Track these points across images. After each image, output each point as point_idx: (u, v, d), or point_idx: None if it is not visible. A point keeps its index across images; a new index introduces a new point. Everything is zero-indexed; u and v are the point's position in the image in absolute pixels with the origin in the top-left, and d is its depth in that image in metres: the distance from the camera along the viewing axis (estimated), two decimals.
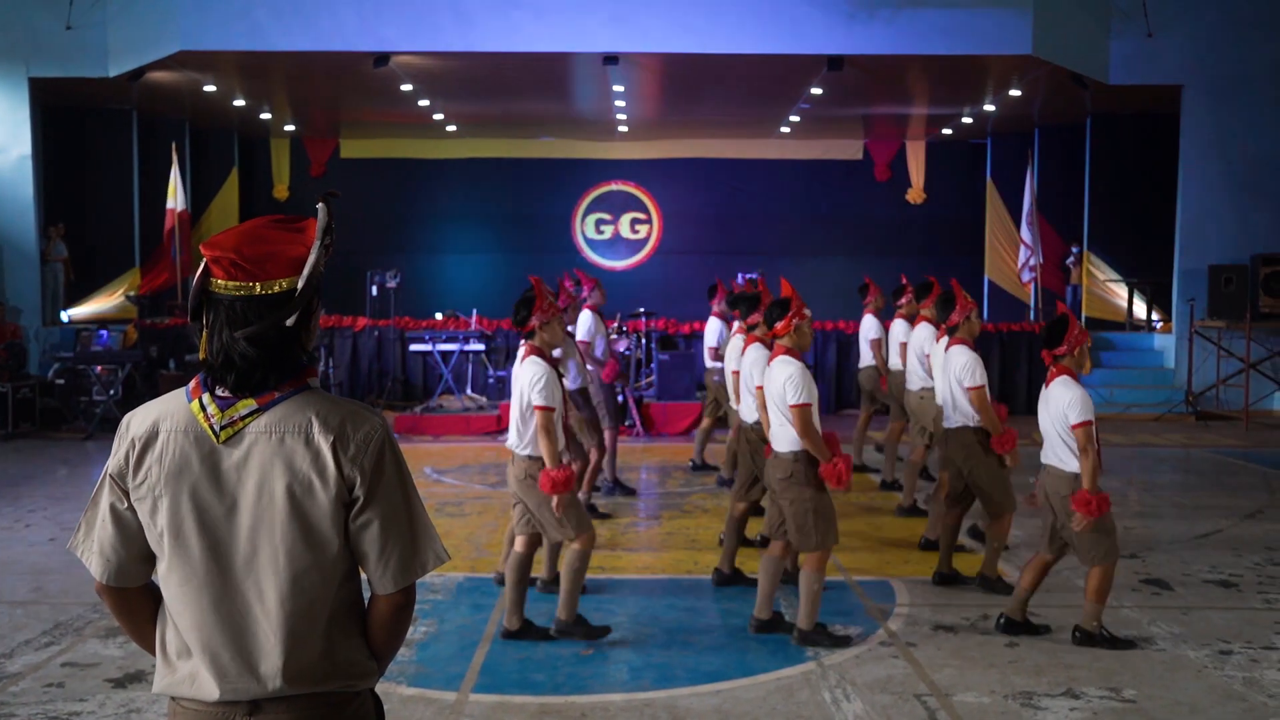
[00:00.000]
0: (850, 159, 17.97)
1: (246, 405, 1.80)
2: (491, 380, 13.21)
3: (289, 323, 1.82)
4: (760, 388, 5.37)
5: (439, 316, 14.48)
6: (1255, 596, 5.82)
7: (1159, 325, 14.73)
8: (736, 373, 6.62)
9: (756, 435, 5.80)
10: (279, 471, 1.78)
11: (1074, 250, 15.94)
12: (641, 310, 13.78)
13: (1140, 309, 15.19)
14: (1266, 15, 13.84)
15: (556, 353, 5.20)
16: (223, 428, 1.79)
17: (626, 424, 12.08)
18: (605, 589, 5.94)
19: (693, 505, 8.28)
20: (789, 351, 4.98)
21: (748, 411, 6.02)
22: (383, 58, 11.81)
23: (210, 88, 13.50)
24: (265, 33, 11.49)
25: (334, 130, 17.50)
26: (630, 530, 7.42)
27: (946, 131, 17.07)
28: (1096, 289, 15.40)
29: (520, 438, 4.91)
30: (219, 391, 1.82)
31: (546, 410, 4.75)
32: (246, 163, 17.83)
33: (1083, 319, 15.25)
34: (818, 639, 4.92)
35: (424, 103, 14.42)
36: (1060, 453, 4.85)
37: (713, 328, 9.17)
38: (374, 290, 13.27)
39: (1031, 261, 15.15)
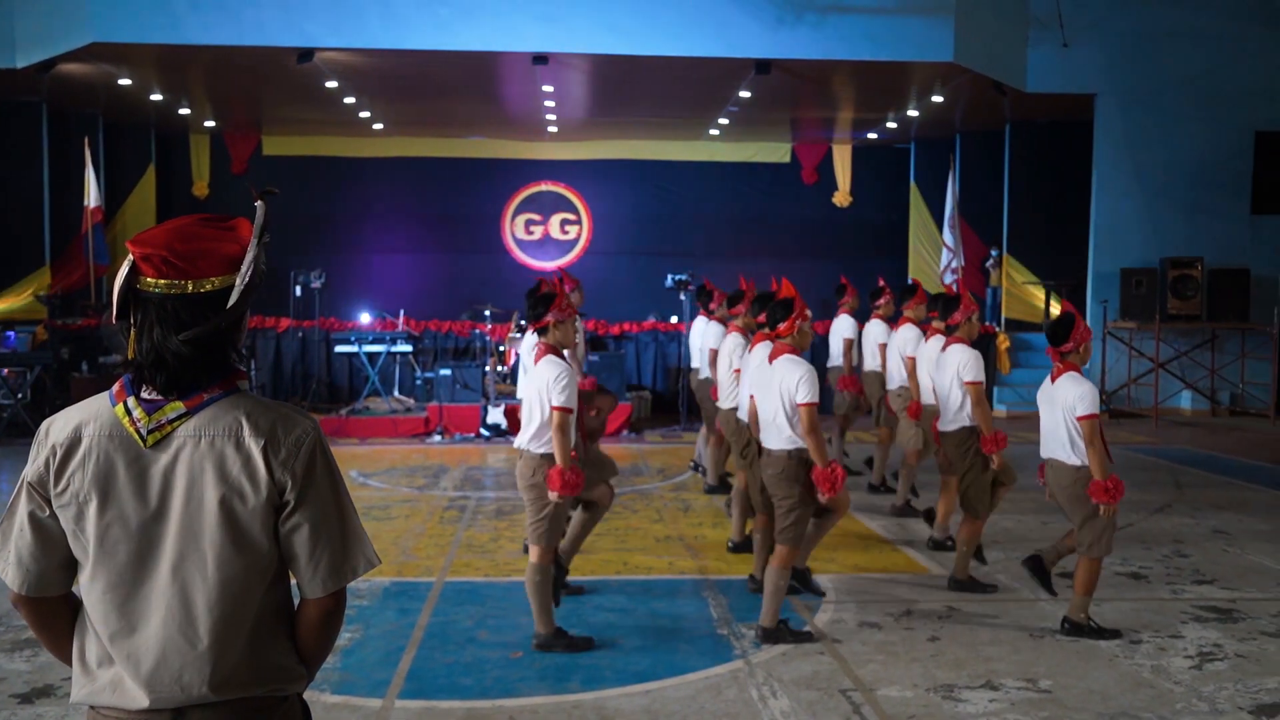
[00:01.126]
0: (778, 162, 18.18)
1: (174, 408, 1.77)
2: (419, 382, 13.05)
3: (225, 324, 1.79)
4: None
5: (365, 318, 14.26)
6: (1163, 588, 6.04)
7: None
8: (738, 371, 6.67)
9: None
10: (209, 475, 1.75)
11: (993, 253, 16.35)
12: None
13: (1057, 310, 15.67)
14: (1174, 28, 14.39)
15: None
16: (149, 431, 1.76)
17: None
18: None
19: (622, 506, 8.29)
20: (793, 350, 5.04)
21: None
22: (307, 53, 11.57)
23: (125, 81, 13.07)
24: (183, 25, 11.16)
25: (256, 127, 17.09)
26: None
27: (872, 136, 17.37)
28: (1015, 291, 15.83)
29: (529, 435, 4.85)
30: (144, 394, 1.78)
31: (565, 411, 4.68)
32: (164, 159, 17.32)
33: (1002, 320, 15.71)
34: (780, 635, 4.96)
35: (350, 100, 14.16)
36: (1065, 447, 4.96)
37: (713, 332, 8.38)
38: (298, 291, 13.01)
39: (953, 264, 15.50)
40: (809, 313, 5.18)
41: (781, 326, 5.07)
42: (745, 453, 6.03)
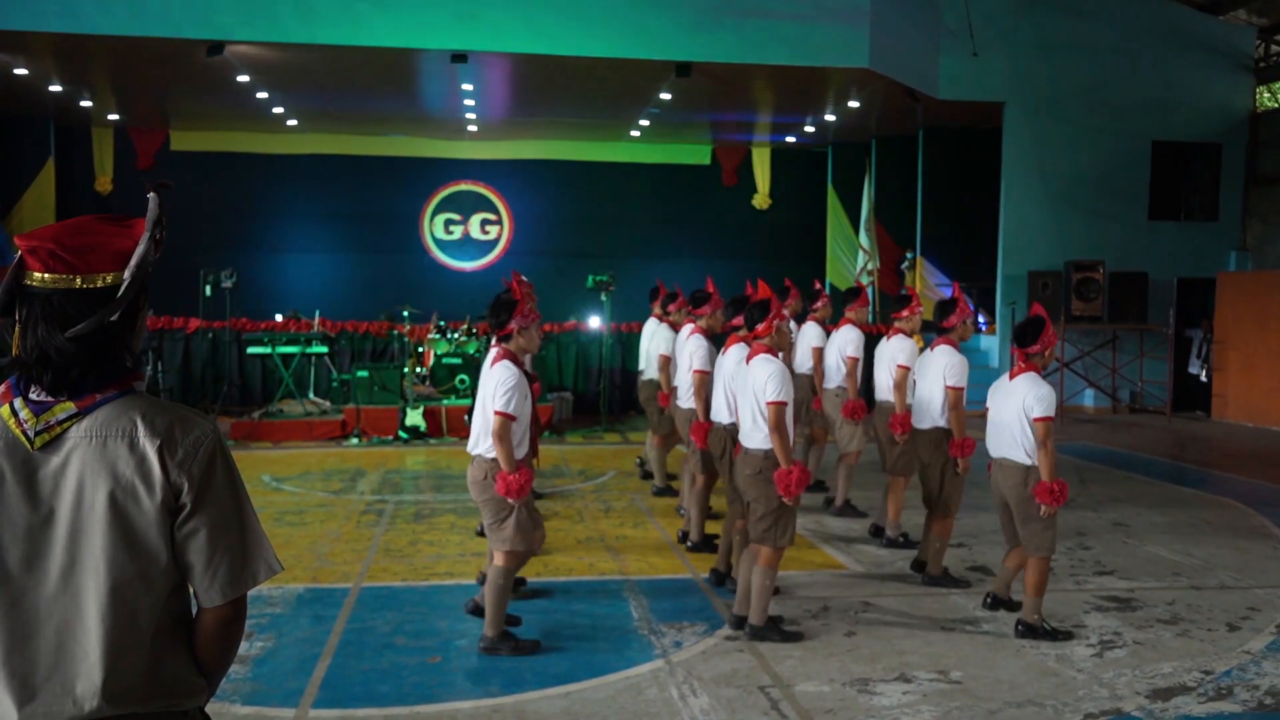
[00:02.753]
0: (698, 164, 18.33)
1: (64, 409, 1.70)
2: (335, 383, 12.79)
3: (113, 318, 1.72)
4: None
5: (279, 318, 13.92)
6: (1068, 579, 6.25)
7: (985, 327, 15.66)
8: (701, 372, 6.61)
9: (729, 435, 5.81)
10: (100, 478, 1.68)
11: (908, 255, 16.73)
12: None
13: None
14: (1077, 41, 14.96)
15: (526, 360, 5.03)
16: (38, 433, 1.69)
17: None
18: (454, 594, 5.85)
19: (544, 508, 8.25)
20: (769, 350, 5.05)
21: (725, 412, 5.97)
22: (216, 46, 11.23)
23: (21, 71, 12.53)
24: (83, 13, 10.74)
25: (163, 120, 16.56)
26: (481, 534, 7.32)
27: (790, 139, 17.63)
28: (928, 293, 16.23)
29: (480, 440, 4.84)
30: (33, 395, 1.71)
31: (506, 418, 4.67)
32: (64, 153, 16.66)
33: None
34: (768, 634, 5.00)
35: (262, 95, 13.82)
36: (1017, 446, 5.01)
37: (664, 335, 8.19)
38: (208, 290, 12.62)
39: (869, 266, 15.82)
40: (786, 314, 5.25)
41: (760, 327, 5.08)
42: (723, 455, 6.00)
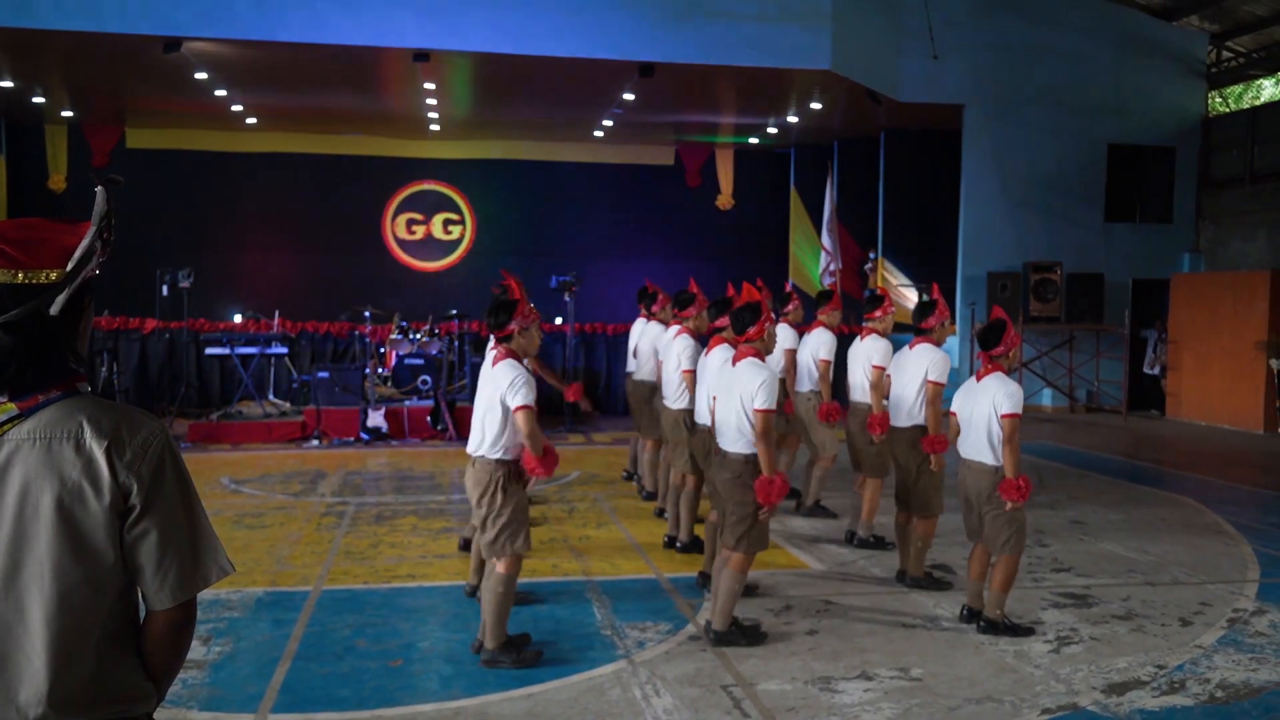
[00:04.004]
0: (662, 164, 18.36)
1: (6, 410, 1.66)
2: (295, 384, 12.65)
3: (53, 310, 1.68)
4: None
5: (238, 318, 13.74)
6: (1025, 576, 6.33)
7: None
8: (689, 372, 6.63)
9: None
10: (45, 480, 1.65)
11: (871, 256, 16.87)
12: (454, 312, 13.56)
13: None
14: (1035, 44, 15.18)
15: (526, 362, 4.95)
16: None
17: (439, 428, 11.87)
18: (415, 596, 5.81)
19: None
20: (758, 354, 4.99)
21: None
22: (173, 43, 11.07)
23: None
24: (35, 8, 10.53)
25: (119, 118, 16.28)
26: (442, 536, 7.28)
27: (754, 141, 17.72)
28: (890, 293, 16.37)
29: (483, 441, 4.75)
30: None
31: (529, 410, 4.65)
32: (16, 150, 16.34)
33: None
34: (733, 638, 4.97)
35: (221, 93, 13.64)
36: (985, 447, 5.03)
37: (652, 333, 8.07)
38: (165, 290, 12.43)
39: (831, 267, 15.94)
40: (774, 316, 5.23)
41: (751, 330, 5.03)
42: (708, 455, 5.96)
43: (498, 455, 4.73)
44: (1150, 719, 4.21)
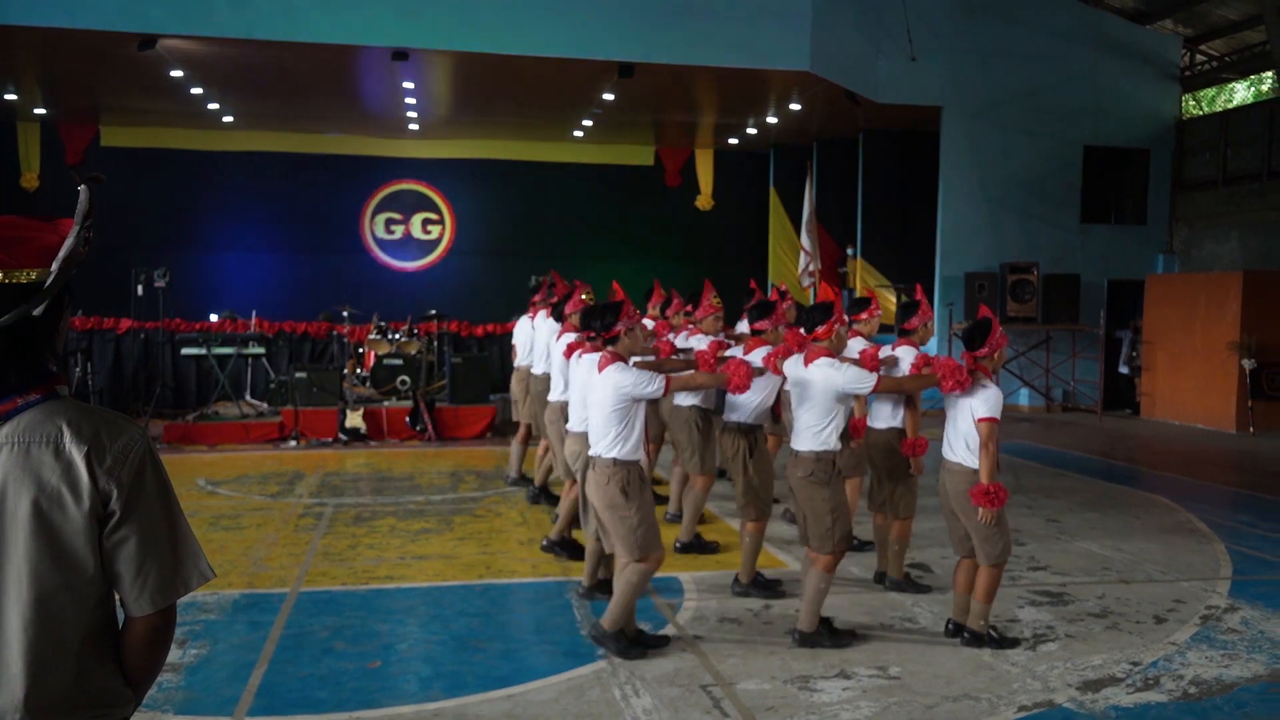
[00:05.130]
0: (641, 165, 18.36)
1: None
2: (273, 385, 12.56)
3: (37, 312, 1.66)
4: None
5: (214, 318, 13.63)
6: (1003, 575, 6.37)
7: None
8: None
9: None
10: (24, 485, 1.63)
11: (848, 251, 16.92)
12: (434, 312, 13.51)
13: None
14: (1012, 47, 15.30)
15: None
16: None
17: (418, 429, 11.82)
18: (394, 598, 5.79)
19: (485, 510, 8.20)
20: (829, 354, 5.02)
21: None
22: (148, 40, 10.97)
23: None
24: (7, 3, 10.39)
25: (93, 116, 16.12)
26: (422, 537, 7.25)
27: (733, 141, 17.75)
28: (868, 294, 16.45)
29: (608, 442, 4.77)
30: None
31: (666, 385, 4.80)
32: None
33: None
34: (818, 640, 4.99)
35: (197, 91, 13.52)
36: (967, 451, 4.94)
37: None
38: (140, 290, 12.31)
39: (811, 267, 15.99)
40: (846, 318, 5.31)
41: (820, 330, 5.06)
42: (736, 454, 5.92)
43: (613, 454, 4.75)
44: (1125, 715, 4.25)
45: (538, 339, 8.08)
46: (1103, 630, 5.34)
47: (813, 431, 4.97)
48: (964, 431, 4.99)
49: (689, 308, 7.51)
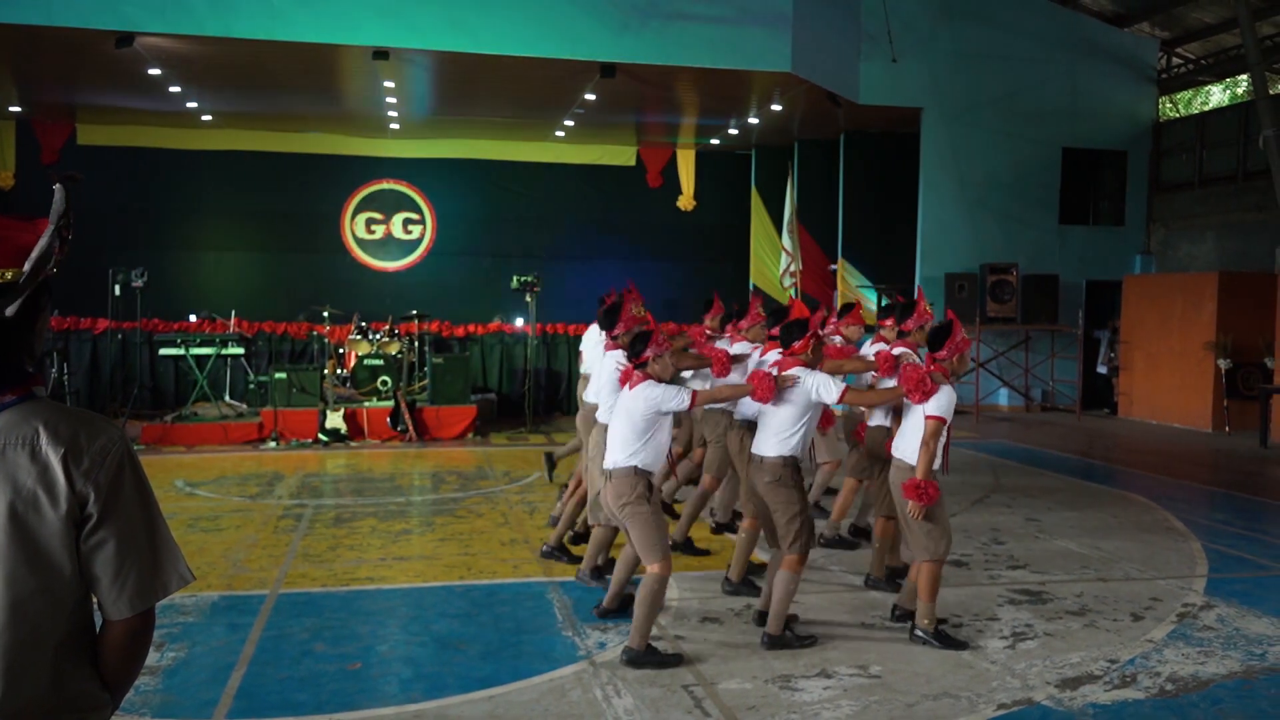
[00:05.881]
0: (623, 165, 18.35)
1: None
2: (252, 386, 12.48)
3: (9, 312, 1.64)
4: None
5: (193, 318, 13.53)
6: (982, 574, 6.42)
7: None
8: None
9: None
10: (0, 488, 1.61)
11: (831, 268, 16.93)
12: (415, 312, 13.46)
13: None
14: (991, 49, 15.40)
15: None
16: None
17: (399, 429, 11.78)
18: (375, 599, 5.76)
19: (467, 510, 8.18)
20: (803, 364, 5.17)
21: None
22: (126, 38, 10.87)
23: None
24: None
25: (69, 113, 15.95)
26: (403, 538, 7.22)
27: (715, 141, 17.77)
28: (850, 295, 16.51)
29: (629, 453, 4.91)
30: None
31: (693, 399, 5.01)
32: None
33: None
34: (788, 642, 5.02)
35: (175, 89, 13.41)
36: (914, 449, 5.01)
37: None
38: (117, 290, 12.21)
39: (792, 268, 16.04)
40: (822, 331, 5.56)
41: (796, 345, 5.16)
42: (741, 451, 6.04)
43: (635, 463, 4.89)
44: (1102, 712, 4.28)
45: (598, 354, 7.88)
46: (1081, 628, 5.38)
47: (781, 437, 5.05)
48: (915, 429, 5.06)
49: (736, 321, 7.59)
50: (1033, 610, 5.68)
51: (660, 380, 5.00)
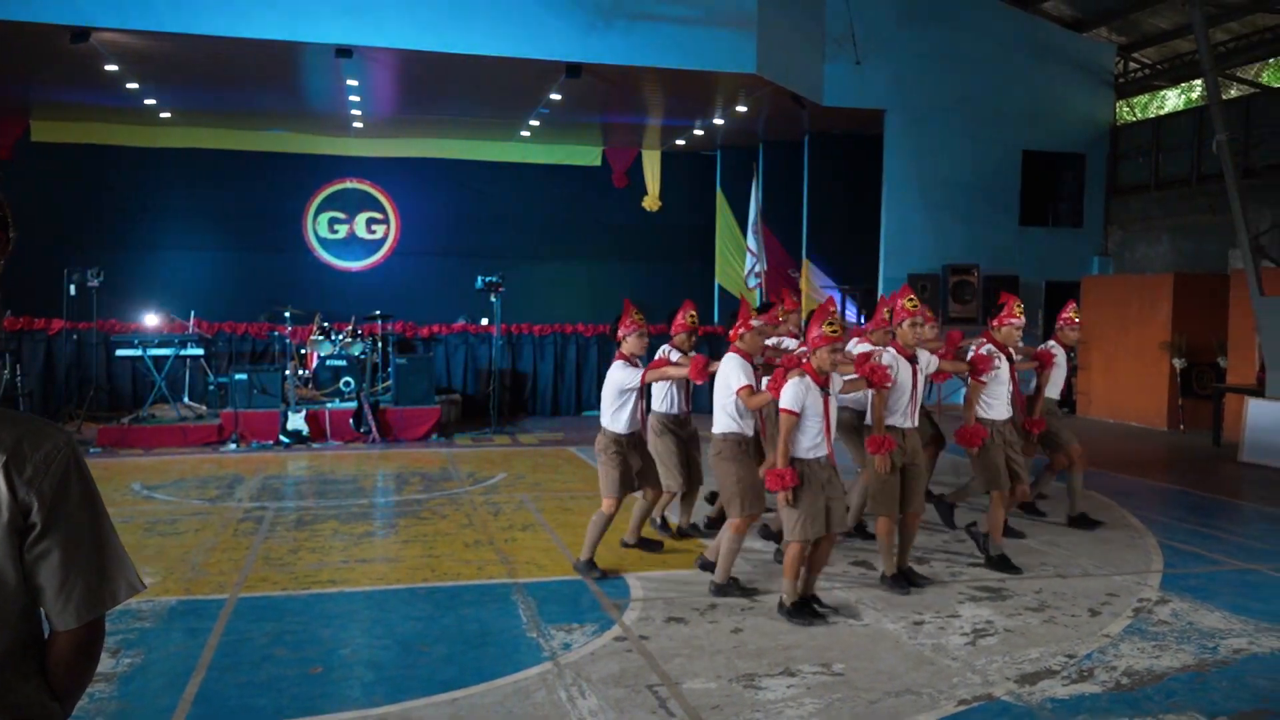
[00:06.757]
0: (589, 165, 18.35)
1: None
2: (212, 387, 12.31)
3: None
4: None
5: (150, 319, 13.33)
6: (943, 571, 6.49)
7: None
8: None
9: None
10: None
11: (792, 273, 17.02)
12: (378, 313, 13.36)
13: (851, 314, 16.57)
14: (953, 52, 15.57)
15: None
16: None
17: (362, 430, 11.68)
18: (337, 602, 5.70)
19: (430, 512, 8.13)
20: (741, 353, 5.88)
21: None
22: (81, 33, 10.69)
23: None
24: None
25: (23, 109, 15.65)
26: (365, 540, 7.16)
27: (680, 142, 17.81)
28: (814, 295, 16.61)
29: (604, 417, 6.26)
30: None
31: (644, 380, 6.22)
32: None
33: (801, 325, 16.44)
34: (729, 590, 5.81)
35: (133, 85, 13.21)
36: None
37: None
38: (72, 290, 11.99)
39: (757, 268, 16.10)
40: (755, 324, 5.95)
41: (731, 333, 5.99)
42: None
43: (606, 425, 6.27)
44: (1061, 707, 4.34)
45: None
46: (1040, 624, 5.45)
47: (726, 415, 5.79)
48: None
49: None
50: (993, 607, 5.74)
51: (630, 360, 6.16)
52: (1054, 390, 8.04)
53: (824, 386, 5.34)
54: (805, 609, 5.45)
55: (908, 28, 15.31)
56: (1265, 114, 14.19)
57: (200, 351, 12.30)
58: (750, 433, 5.86)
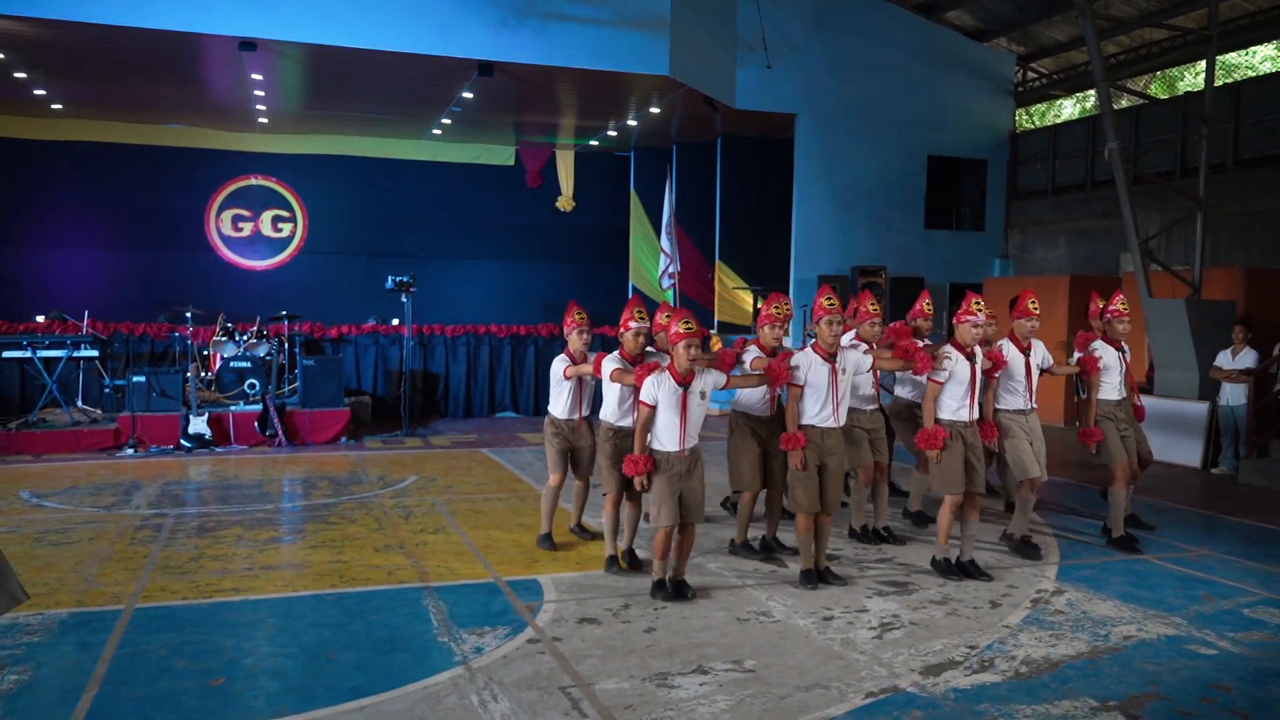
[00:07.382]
0: (502, 165, 18.20)
1: None
2: (108, 390, 11.84)
3: None
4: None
5: (40, 319, 12.76)
6: (853, 567, 6.62)
7: None
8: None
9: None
10: None
11: (707, 275, 17.19)
12: (285, 313, 13.03)
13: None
14: (859, 59, 15.91)
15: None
16: None
17: (268, 434, 11.38)
18: (240, 610, 5.54)
19: (339, 516, 7.96)
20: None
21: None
22: None
23: None
24: None
25: None
26: (271, 546, 6.97)
27: (594, 143, 17.80)
28: (726, 295, 16.79)
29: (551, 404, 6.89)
30: None
31: (565, 372, 6.70)
32: None
33: (715, 323, 16.61)
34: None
35: (21, 75, 12.61)
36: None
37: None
38: None
39: (670, 269, 16.20)
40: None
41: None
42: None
43: (550, 411, 6.88)
44: (963, 696, 4.47)
45: None
46: (943, 617, 5.61)
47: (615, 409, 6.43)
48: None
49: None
50: (899, 601, 5.88)
51: (573, 355, 6.62)
52: (1112, 392, 7.82)
53: (830, 361, 6.02)
54: (662, 588, 5.86)
55: (817, 34, 15.60)
56: (1153, 123, 14.86)
57: (95, 353, 11.82)
58: (629, 421, 6.29)
